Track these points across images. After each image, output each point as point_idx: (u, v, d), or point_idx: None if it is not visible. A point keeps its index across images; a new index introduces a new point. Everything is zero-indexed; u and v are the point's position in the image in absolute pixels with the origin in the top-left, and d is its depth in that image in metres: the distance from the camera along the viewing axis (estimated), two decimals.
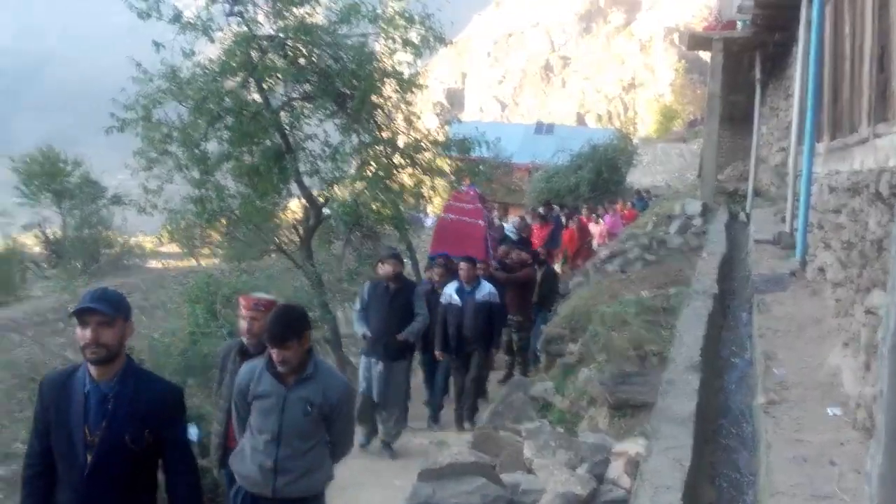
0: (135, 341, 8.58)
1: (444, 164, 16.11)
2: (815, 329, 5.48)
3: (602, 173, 25.26)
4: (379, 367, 7.93)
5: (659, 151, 41.17)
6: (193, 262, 21.07)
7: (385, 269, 8.16)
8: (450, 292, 8.90)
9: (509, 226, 15.89)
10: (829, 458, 3.54)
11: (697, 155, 27.09)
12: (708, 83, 14.73)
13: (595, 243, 17.11)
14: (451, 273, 9.57)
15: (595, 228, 18.22)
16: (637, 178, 36.02)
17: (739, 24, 15.04)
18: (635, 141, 42.84)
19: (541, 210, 17.21)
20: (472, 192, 11.87)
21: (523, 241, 13.75)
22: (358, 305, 8.36)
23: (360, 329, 8.20)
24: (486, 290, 8.90)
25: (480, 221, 11.04)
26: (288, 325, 4.04)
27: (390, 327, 7.97)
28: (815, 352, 5.01)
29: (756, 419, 4.36)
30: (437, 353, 9.04)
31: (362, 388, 8.13)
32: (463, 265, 8.90)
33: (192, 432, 6.86)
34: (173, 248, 22.04)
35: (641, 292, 7.84)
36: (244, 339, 5.13)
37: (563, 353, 7.97)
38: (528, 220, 17.16)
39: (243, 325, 5.10)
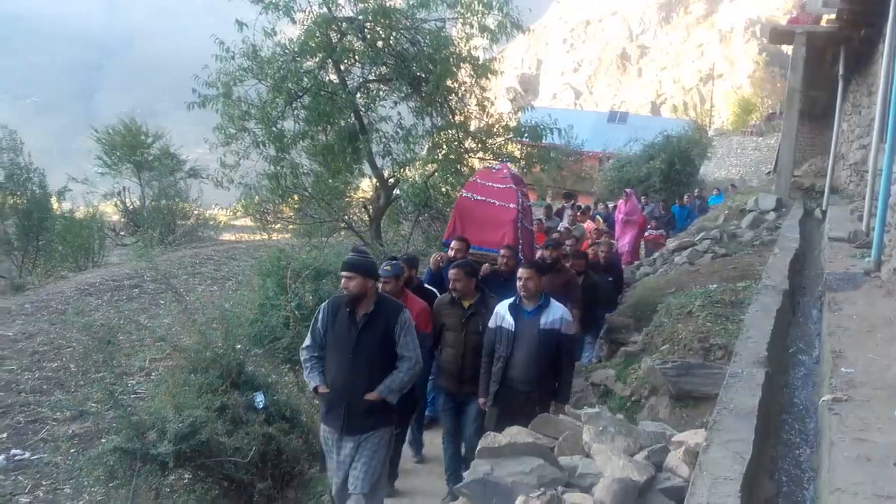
0: (208, 311, 8.89)
1: (516, 149, 16.16)
2: (887, 330, 5.37)
3: (675, 164, 24.79)
4: (344, 444, 5.16)
5: (735, 144, 40.24)
6: (265, 237, 21.59)
7: (347, 283, 5.11)
8: (503, 312, 5.75)
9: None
10: (893, 459, 3.50)
11: (774, 149, 26.41)
12: (788, 77, 14.34)
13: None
14: (469, 271, 6.35)
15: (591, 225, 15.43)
16: (711, 170, 35.36)
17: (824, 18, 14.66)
18: (710, 133, 42.04)
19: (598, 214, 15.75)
20: (504, 171, 9.51)
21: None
22: (308, 341, 5.31)
23: (311, 380, 5.27)
24: (558, 313, 5.71)
25: (511, 205, 8.62)
26: None
27: (356, 380, 5.07)
28: (885, 353, 4.92)
29: (820, 416, 4.32)
30: (481, 400, 5.88)
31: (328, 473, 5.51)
32: (524, 272, 5.73)
33: (259, 400, 7.17)
34: (247, 221, 22.60)
35: (709, 285, 7.78)
36: None
37: (626, 341, 7.96)
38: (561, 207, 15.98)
39: None
